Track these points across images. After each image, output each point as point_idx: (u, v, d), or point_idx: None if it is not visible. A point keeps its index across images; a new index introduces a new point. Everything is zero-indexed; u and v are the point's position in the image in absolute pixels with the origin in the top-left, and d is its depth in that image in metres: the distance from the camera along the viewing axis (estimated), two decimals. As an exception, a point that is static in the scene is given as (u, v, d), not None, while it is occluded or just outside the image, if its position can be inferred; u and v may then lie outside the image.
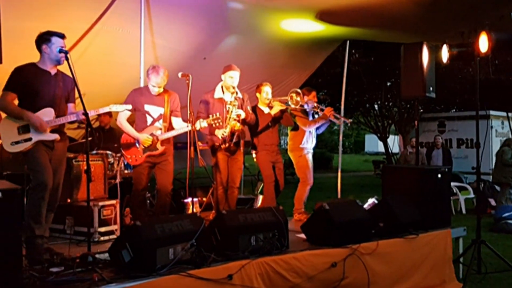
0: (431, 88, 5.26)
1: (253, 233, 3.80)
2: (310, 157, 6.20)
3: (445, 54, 5.28)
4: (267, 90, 5.72)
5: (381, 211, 4.62)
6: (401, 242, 4.42)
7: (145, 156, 4.67)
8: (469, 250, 5.03)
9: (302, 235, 4.42)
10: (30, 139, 3.87)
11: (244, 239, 3.76)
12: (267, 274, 3.61)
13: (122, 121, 4.72)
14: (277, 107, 5.62)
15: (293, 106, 5.61)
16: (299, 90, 5.68)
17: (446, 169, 5.21)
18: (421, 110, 16.28)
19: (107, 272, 3.24)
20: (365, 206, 5.30)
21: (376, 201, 5.56)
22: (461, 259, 5.08)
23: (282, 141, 18.64)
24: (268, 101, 5.69)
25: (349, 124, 6.28)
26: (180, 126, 4.81)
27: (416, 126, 5.54)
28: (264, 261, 3.62)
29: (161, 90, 4.75)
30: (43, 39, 3.93)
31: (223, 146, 5.08)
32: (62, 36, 3.97)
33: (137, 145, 4.69)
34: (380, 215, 4.55)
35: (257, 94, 5.81)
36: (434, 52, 5.38)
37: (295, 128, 6.14)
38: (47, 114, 3.93)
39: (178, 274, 3.21)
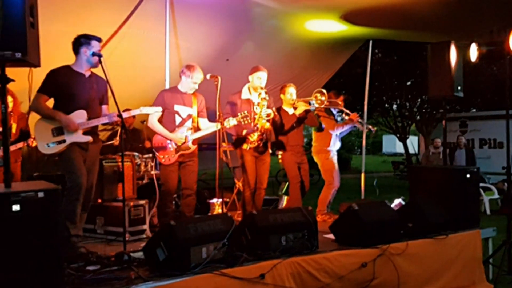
0: (459, 87, 5.21)
1: (283, 233, 3.82)
2: (336, 159, 6.19)
3: (474, 52, 5.23)
4: (291, 91, 5.73)
5: (409, 212, 4.60)
6: (430, 243, 4.40)
7: (178, 156, 4.72)
8: (499, 251, 4.98)
9: (330, 236, 4.43)
10: (64, 141, 3.95)
11: (275, 239, 3.78)
12: (298, 274, 3.63)
13: (154, 123, 4.76)
14: (302, 107, 5.62)
15: (317, 106, 5.61)
16: (323, 90, 5.67)
17: (475, 169, 5.16)
18: (442, 110, 16.12)
19: (142, 271, 3.30)
20: (392, 206, 5.28)
21: (402, 202, 5.54)
22: (491, 260, 5.02)
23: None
24: (292, 102, 5.69)
25: (373, 131, 6.24)
26: (206, 126, 4.86)
27: (444, 126, 5.49)
28: (295, 261, 3.64)
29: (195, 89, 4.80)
30: (83, 42, 4.00)
31: (251, 146, 5.10)
32: (99, 40, 4.06)
33: (169, 145, 4.74)
34: (409, 216, 4.53)
35: (281, 96, 5.82)
36: (462, 51, 5.33)
37: (320, 129, 6.14)
38: (79, 116, 4.01)
39: (211, 273, 3.25)
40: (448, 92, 5.14)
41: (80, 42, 4.02)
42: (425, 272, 4.28)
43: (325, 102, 5.57)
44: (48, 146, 3.94)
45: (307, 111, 5.73)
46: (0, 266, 2.46)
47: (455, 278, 4.50)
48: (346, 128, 6.18)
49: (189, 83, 4.77)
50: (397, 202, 5.61)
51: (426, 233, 4.44)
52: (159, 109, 4.50)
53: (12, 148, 5.10)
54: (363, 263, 3.88)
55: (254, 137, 5.05)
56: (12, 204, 2.53)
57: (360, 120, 6.12)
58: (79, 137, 4.00)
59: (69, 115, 3.97)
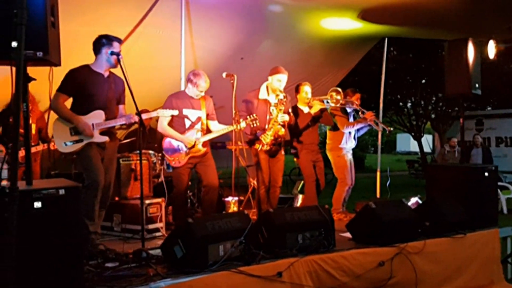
0: (476, 85, 5.16)
1: (300, 231, 3.83)
2: (349, 157, 6.17)
3: (491, 49, 5.18)
4: (306, 90, 5.72)
5: (427, 210, 4.57)
6: (448, 242, 4.37)
7: (188, 158, 4.75)
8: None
9: (347, 234, 4.42)
10: (81, 140, 3.98)
11: (291, 237, 3.78)
12: (315, 272, 3.63)
13: (164, 126, 4.79)
14: (317, 106, 5.61)
15: (332, 105, 5.59)
16: (339, 89, 5.66)
17: (493, 167, 5.11)
18: (457, 109, 15.97)
19: (160, 268, 3.33)
20: (409, 205, 5.24)
21: (419, 200, 5.50)
22: (510, 259, 4.97)
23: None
24: (308, 100, 5.68)
25: (387, 132, 6.18)
26: (217, 128, 4.89)
27: (462, 124, 5.44)
28: (312, 259, 3.65)
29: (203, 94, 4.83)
30: (105, 42, 4.03)
31: (264, 148, 5.10)
32: (120, 41, 4.11)
33: (179, 147, 4.76)
34: (426, 214, 4.50)
35: (297, 95, 5.82)
36: (480, 48, 5.28)
37: (334, 128, 6.12)
38: (97, 117, 4.04)
39: (229, 271, 3.27)
40: (466, 90, 5.10)
41: (102, 42, 4.04)
42: (443, 271, 4.26)
43: (340, 101, 5.55)
44: (66, 144, 3.97)
45: (322, 110, 5.73)
46: (22, 262, 2.50)
47: (473, 277, 4.46)
48: (358, 127, 6.13)
49: (195, 91, 4.80)
50: (413, 200, 5.57)
51: (444, 232, 4.41)
52: (175, 112, 4.54)
53: (33, 150, 5.17)
54: (381, 261, 3.87)
55: (267, 139, 5.05)
56: (34, 201, 2.58)
57: (375, 120, 6.07)
58: (96, 137, 4.04)
59: (87, 115, 4.00)
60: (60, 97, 3.96)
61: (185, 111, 4.79)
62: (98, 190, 3.92)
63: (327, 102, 5.63)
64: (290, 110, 5.29)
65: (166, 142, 4.85)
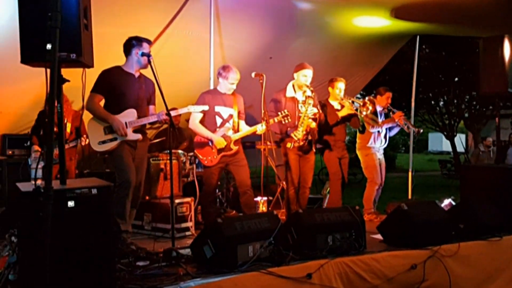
0: (512, 83, 5.02)
1: (330, 233, 3.79)
2: (379, 156, 6.07)
3: (528, 47, 5.03)
4: (340, 87, 5.64)
5: (461, 212, 4.45)
6: (483, 245, 4.25)
7: (220, 157, 4.75)
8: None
9: (378, 236, 4.35)
10: (115, 139, 4.07)
11: (321, 238, 3.75)
12: (345, 274, 3.58)
13: (196, 124, 4.80)
14: (347, 110, 5.53)
15: (364, 113, 5.49)
16: (373, 99, 5.59)
17: (531, 169, 4.96)
18: (491, 107, 15.56)
19: (190, 267, 3.34)
20: (442, 206, 5.13)
21: (453, 202, 5.37)
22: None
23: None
24: (339, 99, 5.61)
25: (415, 133, 6.06)
26: (245, 128, 4.89)
27: (498, 123, 5.29)
28: (343, 261, 3.60)
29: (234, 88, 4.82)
30: (135, 44, 4.12)
31: (296, 145, 5.07)
32: (150, 42, 4.19)
33: (210, 145, 4.77)
34: (460, 216, 4.40)
35: (330, 89, 5.74)
36: (517, 45, 5.12)
37: (362, 130, 6.03)
38: (129, 115, 4.12)
39: (259, 272, 3.26)
40: (502, 88, 4.97)
41: (132, 43, 4.14)
42: (477, 275, 4.14)
43: (370, 111, 5.45)
44: (100, 143, 4.07)
45: (351, 115, 5.65)
46: (55, 261, 2.54)
47: (510, 282, 4.32)
48: (386, 126, 6.02)
49: (226, 84, 4.80)
50: (446, 202, 5.45)
51: (479, 235, 4.29)
52: (206, 107, 4.55)
53: (65, 147, 5.28)
54: (413, 264, 3.79)
55: (299, 135, 5.02)
56: (68, 200, 2.63)
57: (404, 121, 5.96)
58: (130, 135, 4.13)
59: (120, 114, 4.09)
60: (95, 97, 4.08)
61: (217, 108, 4.80)
62: (129, 189, 3.98)
63: (357, 106, 5.55)
64: (318, 106, 5.24)
65: (198, 141, 4.86)
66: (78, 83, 3.14)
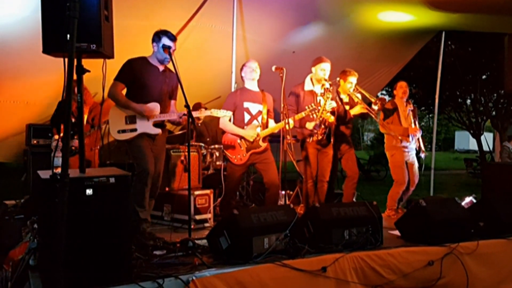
0: (539, 81, 4.90)
1: (347, 227, 3.79)
2: (407, 156, 5.86)
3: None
4: (352, 81, 5.52)
5: (481, 210, 4.39)
6: (503, 244, 4.17)
7: (249, 155, 4.78)
8: None
9: (396, 232, 4.32)
10: (135, 129, 4.12)
11: (337, 232, 3.75)
12: (361, 269, 3.58)
13: (226, 122, 4.82)
14: (359, 109, 5.45)
15: (376, 107, 5.42)
16: (383, 98, 5.54)
17: (555, 168, 4.84)
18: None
19: (206, 258, 3.39)
20: (463, 204, 5.05)
21: (474, 200, 5.29)
22: None
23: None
24: (349, 92, 5.53)
25: (421, 154, 5.93)
26: (272, 125, 4.90)
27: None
28: (358, 256, 3.60)
29: (258, 76, 4.85)
30: (155, 37, 4.15)
31: (314, 138, 5.05)
32: (173, 38, 4.16)
33: (239, 143, 4.79)
34: (481, 214, 4.34)
35: (341, 81, 5.62)
36: (543, 42, 5.00)
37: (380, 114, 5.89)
38: (153, 109, 4.16)
39: (273, 263, 3.28)
40: (527, 85, 4.85)
41: (154, 38, 4.16)
42: (496, 274, 4.07)
43: (377, 108, 5.38)
44: (120, 132, 4.11)
45: (363, 114, 5.57)
46: (74, 247, 2.61)
47: (529, 282, 4.24)
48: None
49: (249, 73, 4.82)
50: (468, 200, 5.36)
51: (499, 233, 4.22)
52: (229, 113, 4.61)
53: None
54: (430, 261, 3.76)
55: (311, 126, 5.01)
56: (86, 188, 2.69)
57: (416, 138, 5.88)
58: (150, 128, 4.16)
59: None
60: (118, 85, 4.11)
61: (246, 104, 4.81)
62: (148, 178, 4.04)
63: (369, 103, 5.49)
64: (337, 98, 5.20)
65: (227, 139, 4.88)
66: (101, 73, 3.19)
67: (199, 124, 7.28)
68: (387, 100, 5.60)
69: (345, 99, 5.61)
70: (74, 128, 4.17)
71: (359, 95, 5.51)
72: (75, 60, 2.82)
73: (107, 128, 4.17)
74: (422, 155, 6.00)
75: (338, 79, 5.55)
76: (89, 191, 2.70)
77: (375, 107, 5.34)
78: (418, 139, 5.93)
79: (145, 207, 4.10)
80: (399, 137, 5.74)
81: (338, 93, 5.53)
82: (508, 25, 6.63)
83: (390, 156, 5.91)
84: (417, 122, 5.98)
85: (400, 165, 5.83)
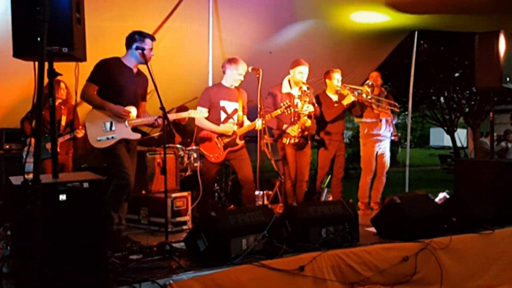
0: (507, 78, 5.01)
1: (324, 226, 3.82)
2: (378, 146, 6.00)
3: (523, 42, 5.02)
4: (337, 77, 5.60)
5: (454, 206, 4.48)
6: (475, 238, 4.27)
7: (226, 152, 4.77)
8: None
9: (372, 229, 4.38)
10: (114, 136, 4.03)
11: (315, 231, 3.78)
12: (338, 266, 3.61)
13: (202, 120, 4.77)
14: (350, 98, 5.47)
15: (369, 97, 5.51)
16: (371, 83, 5.61)
17: (525, 163, 4.98)
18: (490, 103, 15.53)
19: (183, 261, 3.37)
20: (436, 200, 5.15)
21: (447, 196, 5.39)
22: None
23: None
24: (338, 88, 5.60)
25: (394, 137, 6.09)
26: (247, 123, 4.90)
27: (492, 118, 5.30)
28: (335, 254, 3.63)
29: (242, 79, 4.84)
30: (137, 38, 4.06)
31: (291, 141, 5.09)
32: (153, 39, 4.14)
33: (216, 141, 4.77)
34: (453, 210, 4.43)
35: (327, 81, 5.69)
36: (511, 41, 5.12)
37: (361, 115, 5.98)
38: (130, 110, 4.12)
39: (251, 264, 3.29)
40: (496, 83, 4.98)
41: (134, 38, 4.07)
42: (469, 267, 4.17)
43: (370, 96, 5.48)
44: (98, 140, 4.00)
45: (354, 103, 5.63)
46: (47, 254, 2.57)
47: (501, 274, 4.35)
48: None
49: (235, 75, 4.79)
50: (441, 196, 5.46)
51: (471, 228, 4.32)
52: (205, 112, 4.60)
53: (60, 140, 5.30)
54: (405, 257, 3.82)
55: (295, 132, 5.03)
56: (59, 194, 2.65)
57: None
58: (129, 134, 4.09)
59: None
60: (90, 86, 3.97)
61: (222, 103, 4.79)
62: (128, 189, 4.00)
63: (358, 93, 5.56)
64: (314, 101, 5.25)
65: (203, 137, 4.85)
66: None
67: (184, 126, 7.25)
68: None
69: (334, 98, 5.66)
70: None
71: (346, 90, 5.58)
72: (47, 63, 2.78)
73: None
74: (394, 138, 6.13)
75: (339, 88, 5.60)
76: (62, 197, 2.66)
77: (369, 90, 5.41)
78: (391, 123, 6.02)
79: (120, 213, 4.08)
80: (375, 120, 5.91)
81: (327, 95, 5.63)
82: (479, 24, 6.79)
83: (362, 145, 6.06)
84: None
85: (369, 155, 5.99)
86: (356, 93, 5.50)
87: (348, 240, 3.84)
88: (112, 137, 4.01)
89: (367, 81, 5.68)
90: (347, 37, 7.59)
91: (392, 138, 6.18)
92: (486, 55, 5.01)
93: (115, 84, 4.02)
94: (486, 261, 4.29)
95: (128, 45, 4.11)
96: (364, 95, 5.50)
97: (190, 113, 4.43)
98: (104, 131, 4.01)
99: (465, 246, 4.19)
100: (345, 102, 5.50)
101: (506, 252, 4.43)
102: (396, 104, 5.91)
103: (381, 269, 3.73)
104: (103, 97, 4.04)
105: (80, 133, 5.29)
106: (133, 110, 4.09)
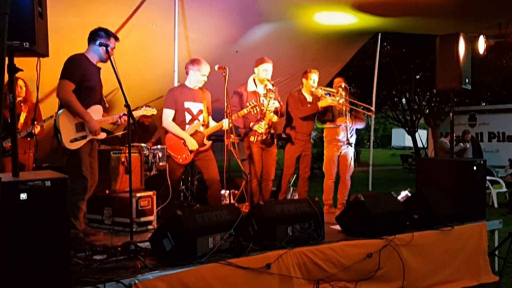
0: (467, 80, 5.18)
1: (290, 224, 3.84)
2: (339, 150, 6.01)
3: (481, 45, 5.20)
4: (314, 78, 5.70)
5: (416, 203, 4.59)
6: (436, 234, 4.39)
7: (193, 154, 4.76)
8: (505, 243, 4.95)
9: (337, 227, 4.44)
10: (85, 137, 3.97)
11: (281, 229, 3.80)
12: (304, 264, 3.65)
13: (170, 123, 4.75)
14: (327, 101, 5.56)
15: (341, 101, 5.58)
16: (345, 85, 5.69)
17: (482, 162, 5.15)
18: (450, 104, 15.98)
19: (149, 260, 3.32)
20: (399, 198, 5.27)
21: (409, 194, 5.52)
22: (497, 252, 5.01)
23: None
24: (313, 89, 5.65)
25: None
26: (212, 123, 4.89)
27: (451, 119, 5.45)
28: (301, 251, 3.67)
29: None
30: (103, 35, 3.99)
31: (259, 138, 5.10)
32: (118, 39, 4.10)
33: (183, 143, 4.74)
34: (415, 207, 4.54)
35: (303, 80, 5.78)
36: (471, 44, 5.28)
37: (332, 119, 6.04)
38: (97, 112, 4.04)
39: (218, 263, 3.28)
40: (456, 84, 5.12)
41: (99, 34, 3.99)
42: (430, 263, 4.29)
43: (344, 98, 5.56)
44: (72, 141, 3.94)
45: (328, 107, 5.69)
46: (8, 254, 2.49)
47: (460, 269, 4.50)
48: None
49: (198, 77, 4.77)
50: (403, 194, 5.58)
51: (432, 225, 4.43)
52: (155, 111, 4.61)
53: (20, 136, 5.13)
54: (369, 253, 3.90)
55: (262, 129, 5.05)
56: (20, 193, 2.56)
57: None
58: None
59: (87, 109, 3.97)
60: (67, 85, 3.81)
61: (187, 104, 4.77)
62: (86, 193, 4.00)
63: (328, 94, 5.64)
64: (279, 99, 5.29)
65: (170, 139, 4.81)
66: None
67: (148, 125, 7.16)
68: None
69: (309, 98, 5.70)
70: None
71: (320, 91, 5.64)
72: (7, 59, 2.69)
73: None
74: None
75: (316, 88, 5.60)
76: (23, 195, 2.58)
77: (343, 93, 5.48)
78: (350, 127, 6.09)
79: (79, 218, 4.02)
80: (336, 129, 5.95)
81: (302, 94, 5.65)
82: (439, 27, 7.00)
83: (325, 149, 6.11)
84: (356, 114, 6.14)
85: (329, 159, 6.03)
86: (329, 98, 5.55)
87: (313, 238, 3.88)
88: (83, 137, 3.98)
89: (340, 84, 5.74)
90: (312, 38, 7.68)
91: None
92: (447, 57, 5.15)
93: (87, 82, 3.93)
94: (446, 256, 4.42)
95: (92, 40, 4.02)
96: (337, 98, 5.56)
97: (143, 110, 4.44)
98: (76, 132, 3.95)
99: (426, 242, 4.30)
100: (321, 104, 5.57)
101: (465, 248, 4.58)
102: (371, 108, 5.96)
103: (345, 265, 3.80)
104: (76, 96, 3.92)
105: (37, 129, 5.15)
106: (100, 110, 4.04)
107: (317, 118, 5.95)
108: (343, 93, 5.59)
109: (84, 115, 3.89)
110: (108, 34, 4.01)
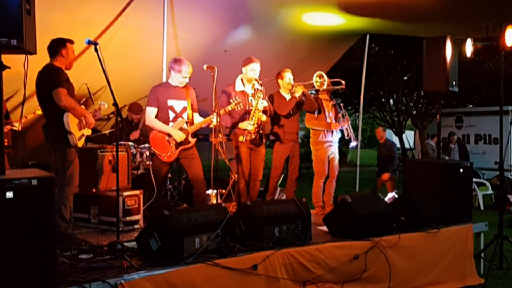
0: (454, 82, 5.22)
1: (277, 225, 3.85)
2: (331, 150, 6.07)
3: (469, 48, 5.23)
4: (289, 76, 5.67)
5: (403, 205, 4.63)
6: (422, 236, 4.43)
7: (179, 151, 4.72)
8: (491, 246, 5.01)
9: (324, 228, 4.46)
10: (83, 135, 4.22)
11: (268, 230, 3.80)
12: (290, 265, 3.65)
13: (153, 119, 4.71)
14: (300, 89, 5.52)
15: (323, 88, 5.62)
16: (322, 73, 5.71)
17: (468, 164, 5.20)
18: (437, 106, 16.13)
19: (135, 260, 3.31)
20: (386, 199, 5.31)
21: (396, 195, 5.57)
22: (483, 254, 5.06)
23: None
24: (291, 86, 5.65)
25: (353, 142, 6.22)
26: (198, 120, 4.87)
27: (439, 120, 5.49)
28: (288, 252, 3.67)
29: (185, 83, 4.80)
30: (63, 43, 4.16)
31: (248, 138, 5.09)
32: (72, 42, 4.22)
33: (168, 140, 4.71)
34: (402, 209, 4.57)
35: (279, 81, 5.75)
36: (458, 46, 5.33)
37: (319, 111, 6.05)
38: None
39: (204, 263, 3.28)
40: (443, 86, 5.15)
41: (62, 43, 4.16)
42: (416, 265, 4.33)
43: (325, 85, 5.59)
44: (79, 139, 4.17)
45: (305, 94, 5.68)
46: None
47: (446, 271, 4.54)
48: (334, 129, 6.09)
49: (179, 78, 4.74)
50: (390, 195, 5.65)
51: (419, 227, 4.47)
52: (105, 105, 4.74)
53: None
54: (355, 255, 3.92)
55: (251, 126, 5.05)
56: (6, 191, 2.54)
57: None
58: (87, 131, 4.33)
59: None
60: (65, 92, 4.02)
61: (170, 102, 4.73)
62: (74, 192, 4.13)
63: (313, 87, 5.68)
64: (267, 99, 5.28)
65: (155, 137, 4.76)
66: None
67: (136, 123, 7.11)
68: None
69: (287, 98, 5.70)
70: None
71: (301, 86, 5.65)
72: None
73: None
74: (354, 143, 6.24)
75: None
76: (9, 194, 2.56)
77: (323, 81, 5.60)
78: (347, 129, 6.14)
79: (66, 219, 4.02)
80: (325, 130, 5.98)
81: (280, 94, 5.67)
82: (427, 29, 7.06)
83: (314, 150, 6.11)
84: (342, 115, 6.18)
85: (323, 159, 6.03)
86: (308, 89, 5.59)
87: (300, 239, 3.89)
88: (82, 136, 4.24)
89: (319, 72, 5.80)
90: (300, 38, 7.71)
91: (352, 143, 6.28)
92: (434, 59, 5.18)
93: (68, 89, 4.09)
94: (433, 258, 4.46)
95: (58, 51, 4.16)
96: (315, 84, 5.60)
97: (100, 104, 4.67)
98: (79, 130, 4.18)
99: (412, 244, 4.33)
100: (297, 93, 5.54)
101: (451, 250, 4.62)
102: (342, 81, 5.93)
103: (332, 267, 3.81)
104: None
105: (16, 126, 5.15)
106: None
107: (304, 109, 5.93)
108: (320, 80, 5.60)
109: (86, 113, 4.24)
110: (63, 41, 4.17)
